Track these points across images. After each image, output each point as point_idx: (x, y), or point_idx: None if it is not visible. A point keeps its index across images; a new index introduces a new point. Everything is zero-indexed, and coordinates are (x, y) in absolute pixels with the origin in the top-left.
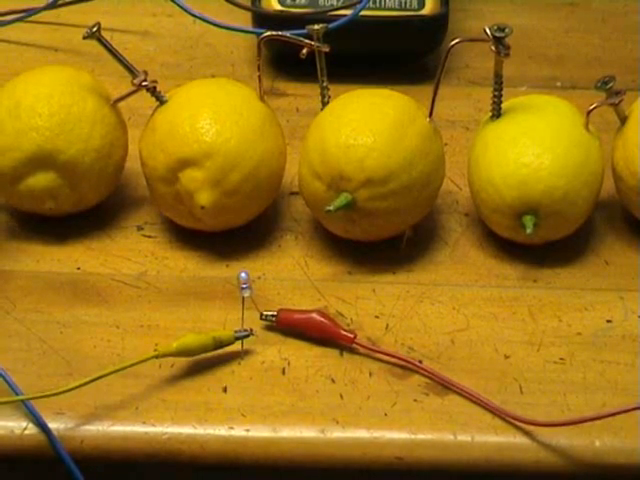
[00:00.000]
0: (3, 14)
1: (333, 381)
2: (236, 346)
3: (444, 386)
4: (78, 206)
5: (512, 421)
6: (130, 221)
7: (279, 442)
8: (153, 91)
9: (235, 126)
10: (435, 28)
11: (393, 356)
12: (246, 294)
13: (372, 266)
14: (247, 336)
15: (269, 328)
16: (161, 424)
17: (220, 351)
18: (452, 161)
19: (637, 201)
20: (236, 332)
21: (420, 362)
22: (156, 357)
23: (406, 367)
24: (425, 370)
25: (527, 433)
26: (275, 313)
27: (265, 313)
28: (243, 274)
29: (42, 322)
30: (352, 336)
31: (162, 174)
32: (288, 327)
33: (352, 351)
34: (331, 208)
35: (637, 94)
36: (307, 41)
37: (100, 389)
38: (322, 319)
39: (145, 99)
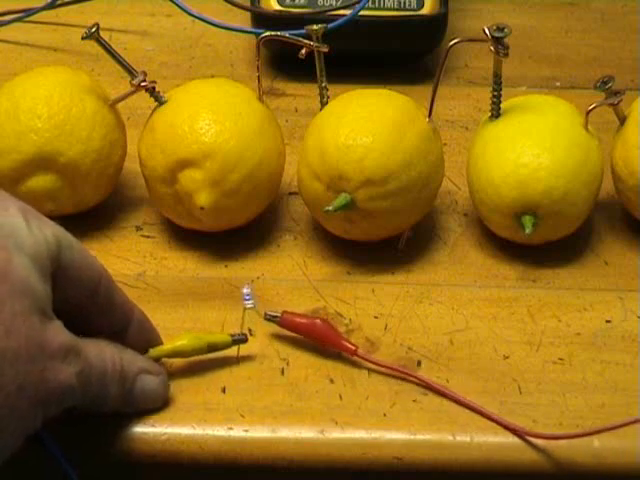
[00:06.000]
0: (2, 14)
1: (332, 381)
2: (234, 348)
3: (443, 393)
4: (78, 207)
5: (511, 427)
6: (129, 221)
7: (278, 442)
8: (152, 91)
9: (234, 126)
10: (434, 28)
11: (394, 369)
12: (249, 306)
13: (371, 266)
14: (244, 341)
15: (269, 328)
16: (160, 424)
17: (219, 352)
18: (451, 161)
19: (636, 201)
20: (232, 336)
21: (419, 363)
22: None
23: (405, 374)
24: (428, 383)
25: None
26: (278, 314)
27: (269, 313)
28: (246, 289)
29: None
30: (354, 348)
31: (161, 175)
32: (290, 330)
33: None
34: (330, 208)
35: (636, 94)
36: (306, 41)
37: None
38: (325, 327)
39: (144, 99)
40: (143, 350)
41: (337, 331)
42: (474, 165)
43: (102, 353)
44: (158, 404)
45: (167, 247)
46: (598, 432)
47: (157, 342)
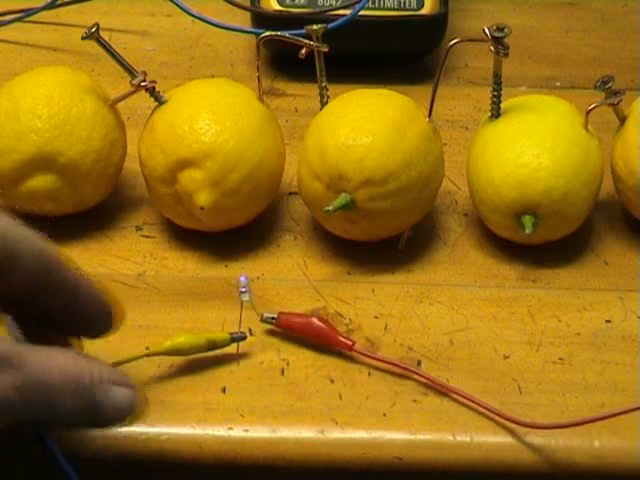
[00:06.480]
0: (2, 14)
1: (332, 381)
2: (234, 347)
3: (441, 391)
4: (78, 207)
5: (511, 424)
6: (129, 221)
7: (278, 442)
8: (152, 91)
9: (234, 126)
10: (434, 28)
11: (391, 363)
12: (245, 298)
13: (371, 266)
14: (243, 339)
15: (268, 328)
16: (160, 425)
17: (218, 351)
18: (451, 161)
19: (636, 201)
20: (232, 334)
21: (419, 363)
22: (147, 355)
23: (406, 369)
24: (424, 376)
25: (526, 433)
26: (275, 316)
27: (265, 315)
28: (242, 278)
29: None
30: (350, 343)
31: (161, 174)
32: (287, 330)
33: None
34: (330, 208)
35: (636, 94)
36: (306, 41)
37: None
38: (321, 325)
39: (144, 99)
40: (97, 315)
41: (334, 327)
42: (474, 165)
43: (51, 361)
44: (129, 418)
45: (167, 247)
46: (598, 420)
47: (107, 305)
